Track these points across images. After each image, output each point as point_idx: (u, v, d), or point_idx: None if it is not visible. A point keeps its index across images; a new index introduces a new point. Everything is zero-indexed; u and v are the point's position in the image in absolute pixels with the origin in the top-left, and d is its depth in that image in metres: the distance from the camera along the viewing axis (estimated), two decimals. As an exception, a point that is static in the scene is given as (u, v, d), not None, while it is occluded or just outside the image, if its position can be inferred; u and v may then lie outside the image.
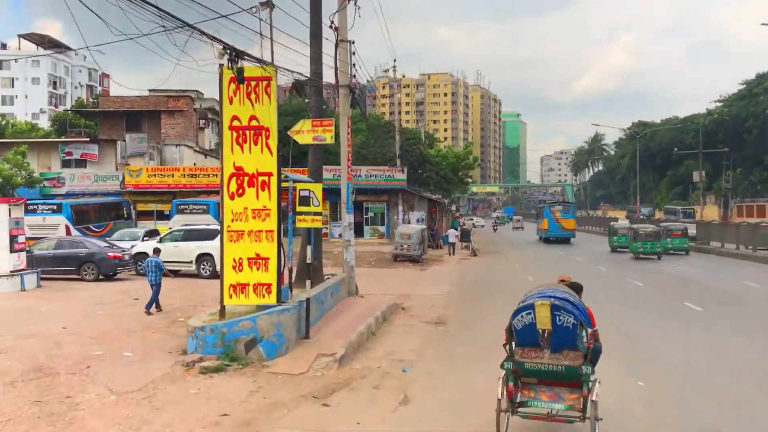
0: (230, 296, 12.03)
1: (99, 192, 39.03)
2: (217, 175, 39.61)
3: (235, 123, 12.07)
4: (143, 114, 46.47)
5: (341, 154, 19.55)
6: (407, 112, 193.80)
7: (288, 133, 17.54)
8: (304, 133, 17.71)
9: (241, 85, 11.95)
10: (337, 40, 18.63)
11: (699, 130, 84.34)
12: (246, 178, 12.04)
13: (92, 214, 32.70)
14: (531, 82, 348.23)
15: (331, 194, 41.97)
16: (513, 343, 7.55)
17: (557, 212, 51.28)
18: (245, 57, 12.00)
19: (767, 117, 70.00)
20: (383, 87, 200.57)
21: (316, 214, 13.36)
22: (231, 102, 12.07)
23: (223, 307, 12.10)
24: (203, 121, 55.45)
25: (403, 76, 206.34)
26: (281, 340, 11.68)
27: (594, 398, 7.18)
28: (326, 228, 39.04)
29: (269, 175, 12.05)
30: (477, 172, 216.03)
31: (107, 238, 27.68)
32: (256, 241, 11.97)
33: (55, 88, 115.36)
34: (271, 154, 12.05)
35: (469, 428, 8.24)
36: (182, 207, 33.28)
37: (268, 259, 11.97)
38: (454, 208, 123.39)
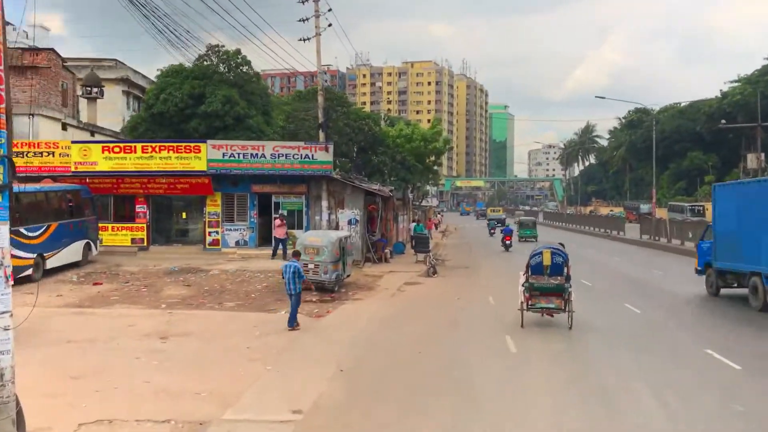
0: None
1: None
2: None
3: None
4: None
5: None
6: (389, 101, 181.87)
7: None
8: None
9: None
10: None
11: (713, 115, 72.74)
12: None
13: None
14: (520, 79, 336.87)
15: (224, 182, 29.53)
16: (528, 272, 14.60)
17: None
18: None
19: (799, 96, 57.86)
20: (363, 76, 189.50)
21: None
22: None
23: None
24: (95, 89, 42.65)
25: (385, 62, 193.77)
26: None
27: (572, 299, 14.30)
28: (216, 233, 26.72)
29: None
30: (462, 165, 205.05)
31: None
32: None
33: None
34: None
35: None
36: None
37: None
38: (434, 202, 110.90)
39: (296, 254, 15.13)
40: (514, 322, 14.81)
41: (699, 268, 20.73)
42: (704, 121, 74.86)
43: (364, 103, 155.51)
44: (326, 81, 72.50)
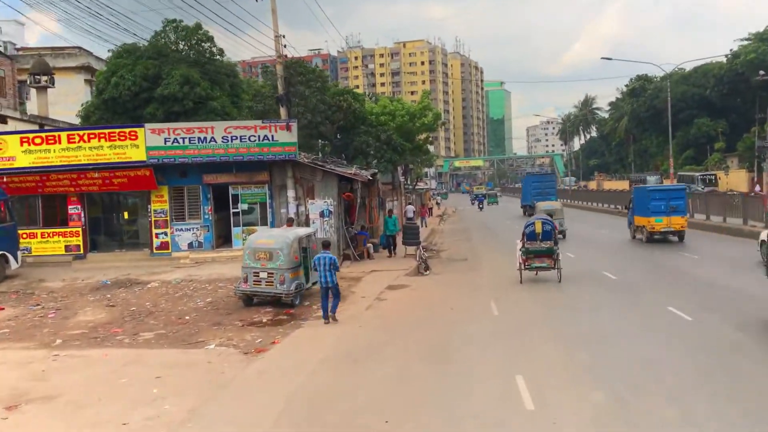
0: None
1: None
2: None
3: None
4: None
5: None
6: (383, 84, 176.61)
7: None
8: None
9: None
10: None
11: (722, 78, 68.12)
12: None
13: None
14: (515, 56, 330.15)
15: (171, 174, 25.19)
16: (524, 239, 18.07)
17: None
18: None
19: (820, 53, 53.13)
20: (355, 58, 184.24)
21: None
22: None
23: None
24: (44, 77, 38.23)
25: (377, 44, 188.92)
26: None
27: (559, 259, 18.06)
28: (164, 234, 22.58)
29: None
30: (460, 145, 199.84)
31: None
32: None
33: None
34: None
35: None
36: None
37: None
38: (432, 184, 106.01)
39: (326, 245, 14.52)
40: (528, 346, 10.74)
41: (521, 206, 49.36)
42: (713, 85, 70.15)
43: (357, 86, 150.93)
44: (317, 65, 67.87)
